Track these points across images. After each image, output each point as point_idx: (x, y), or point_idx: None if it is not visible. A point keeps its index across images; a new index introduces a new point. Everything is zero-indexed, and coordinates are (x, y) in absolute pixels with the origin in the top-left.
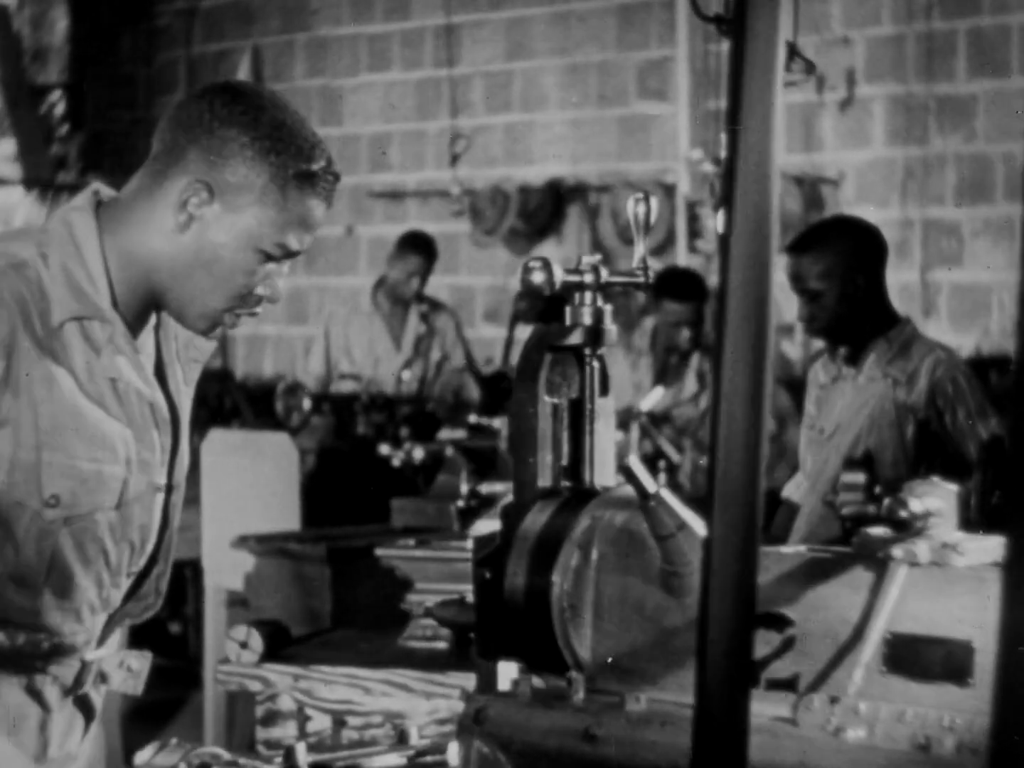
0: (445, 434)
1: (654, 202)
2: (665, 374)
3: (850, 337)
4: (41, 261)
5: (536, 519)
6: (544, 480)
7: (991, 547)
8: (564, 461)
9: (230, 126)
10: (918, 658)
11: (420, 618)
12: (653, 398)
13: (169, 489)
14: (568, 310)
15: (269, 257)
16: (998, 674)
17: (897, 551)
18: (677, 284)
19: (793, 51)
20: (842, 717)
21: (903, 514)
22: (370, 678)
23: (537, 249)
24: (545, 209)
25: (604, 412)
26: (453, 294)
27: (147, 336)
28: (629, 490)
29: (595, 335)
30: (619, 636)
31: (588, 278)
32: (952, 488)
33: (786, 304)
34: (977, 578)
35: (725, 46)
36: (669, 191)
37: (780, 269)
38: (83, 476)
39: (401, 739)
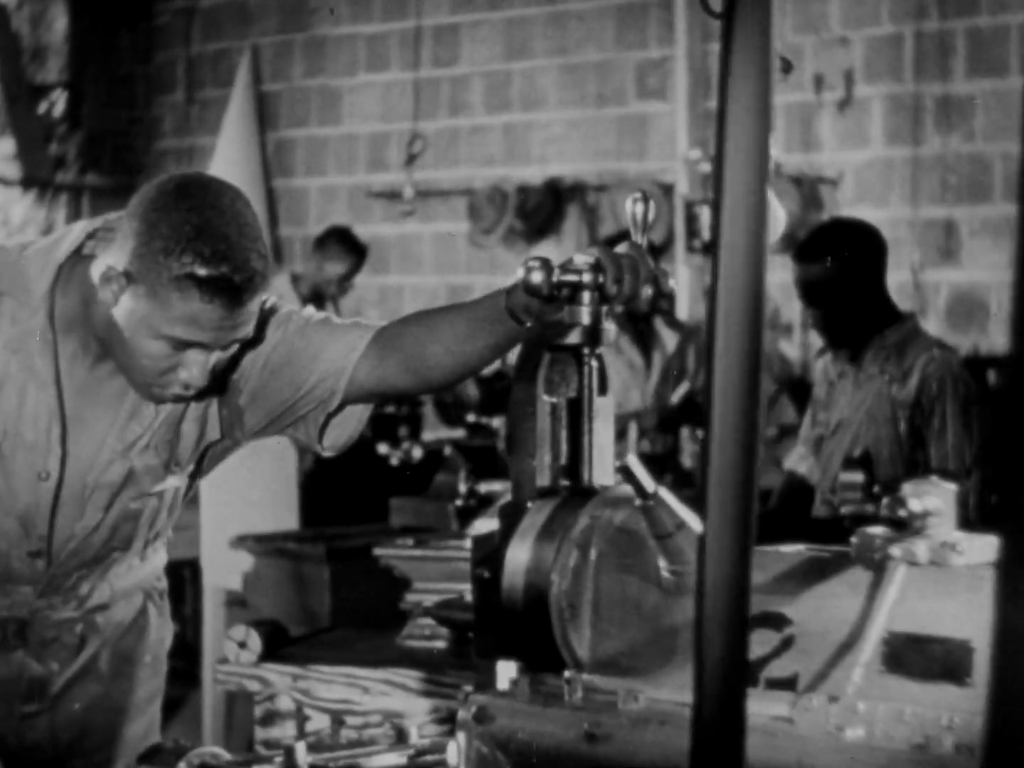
0: (444, 433)
1: (652, 201)
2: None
3: (856, 338)
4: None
5: (535, 518)
6: (543, 479)
7: (990, 546)
8: (563, 460)
9: (144, 222)
10: (917, 657)
11: (419, 617)
12: (680, 391)
13: (60, 482)
14: (567, 309)
15: (174, 345)
16: (992, 674)
17: (896, 550)
18: None
19: None
20: (841, 716)
21: (902, 514)
22: (369, 678)
23: (536, 248)
24: (544, 209)
25: (603, 411)
26: (451, 293)
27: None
28: (628, 489)
29: (593, 334)
30: (618, 635)
31: (586, 277)
32: (951, 488)
33: (785, 304)
34: (976, 577)
35: None
36: (667, 191)
37: (777, 269)
38: None
39: (400, 739)
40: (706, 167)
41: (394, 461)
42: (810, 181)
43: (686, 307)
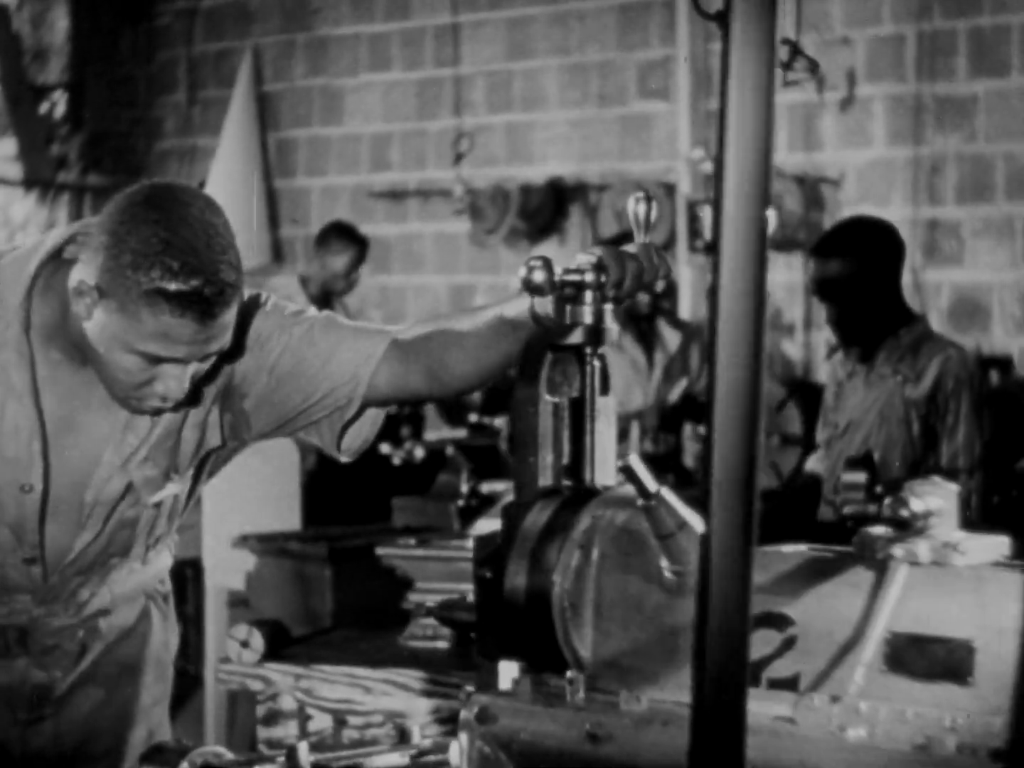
0: (446, 433)
1: (654, 201)
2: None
3: (870, 336)
4: None
5: (537, 518)
6: (545, 479)
7: (992, 546)
8: (565, 460)
9: (112, 236)
10: (919, 657)
11: (421, 617)
12: (678, 390)
13: (45, 495)
14: (568, 309)
15: (148, 359)
16: (1018, 673)
17: (898, 550)
18: None
19: (796, 50)
20: (843, 717)
21: (904, 513)
22: (371, 677)
23: (538, 248)
24: (546, 208)
25: (605, 411)
26: (453, 293)
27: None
28: (630, 489)
29: (596, 334)
30: (620, 635)
31: (589, 277)
32: (953, 488)
33: (787, 305)
34: (977, 577)
35: None
36: (670, 190)
37: (780, 269)
38: None
39: (402, 738)
40: (708, 167)
41: (396, 461)
42: (812, 181)
43: (688, 306)
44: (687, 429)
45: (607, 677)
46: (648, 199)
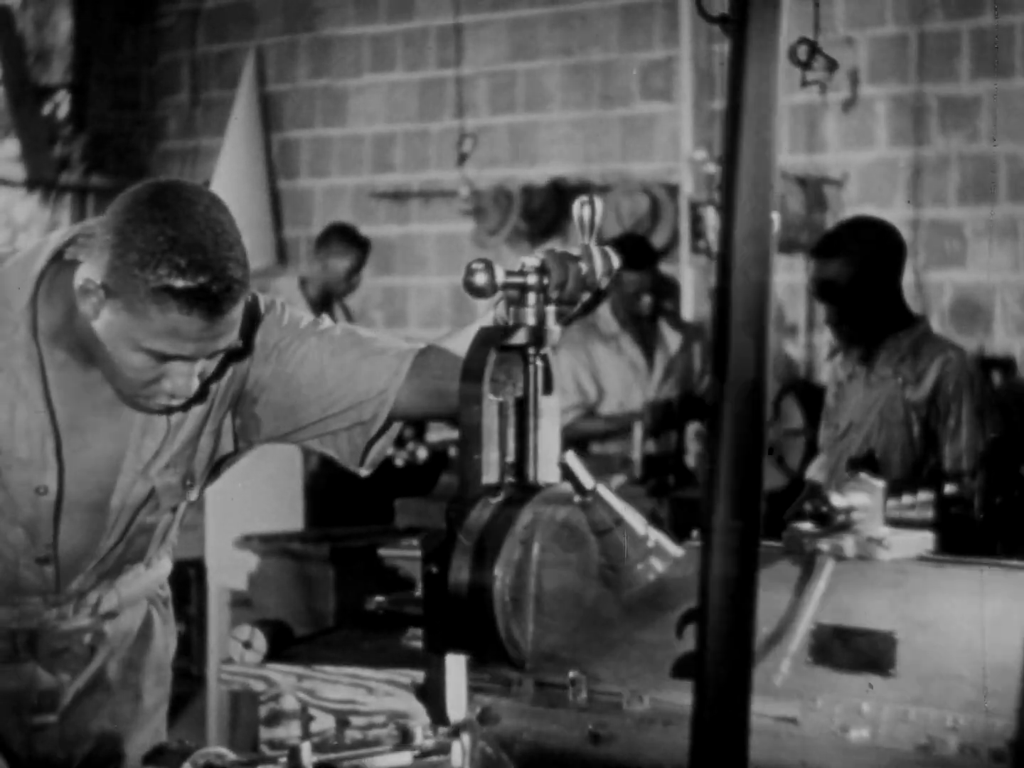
0: (448, 434)
1: (599, 204)
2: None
3: (870, 337)
4: None
5: (480, 515)
6: (489, 476)
7: (916, 542)
8: (509, 458)
9: (118, 234)
10: (843, 649)
11: None
12: (665, 389)
13: (60, 496)
14: (512, 310)
15: (156, 357)
16: None
17: (824, 545)
18: (630, 254)
19: (815, 49)
20: (845, 717)
21: (823, 509)
22: (373, 678)
23: (540, 249)
24: (549, 209)
25: (548, 410)
26: (455, 295)
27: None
28: (570, 486)
29: (538, 335)
30: (559, 628)
31: (531, 280)
32: (879, 484)
33: (790, 305)
34: (900, 571)
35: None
36: (672, 191)
37: (781, 270)
38: None
39: (405, 739)
40: (711, 168)
41: (399, 462)
42: (815, 182)
43: (691, 307)
44: (690, 430)
45: (546, 669)
46: (592, 203)
